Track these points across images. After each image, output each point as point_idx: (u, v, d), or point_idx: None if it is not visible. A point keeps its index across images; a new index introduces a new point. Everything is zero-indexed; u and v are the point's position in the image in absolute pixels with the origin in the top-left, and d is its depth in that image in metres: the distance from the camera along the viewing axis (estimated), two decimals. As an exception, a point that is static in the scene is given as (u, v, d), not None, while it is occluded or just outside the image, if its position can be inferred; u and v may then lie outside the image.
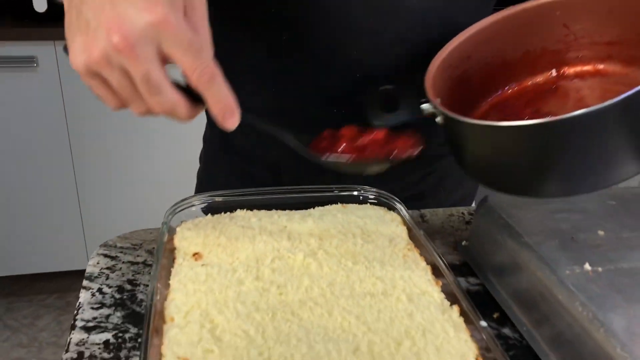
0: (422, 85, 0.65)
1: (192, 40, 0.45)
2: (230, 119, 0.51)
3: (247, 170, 0.92)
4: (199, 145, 1.02)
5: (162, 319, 0.54)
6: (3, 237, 2.08)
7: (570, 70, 0.68)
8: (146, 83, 0.45)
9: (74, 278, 2.24)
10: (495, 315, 0.64)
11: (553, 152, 0.55)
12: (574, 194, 0.57)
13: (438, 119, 0.63)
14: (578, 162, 0.54)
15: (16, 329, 2.10)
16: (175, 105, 0.48)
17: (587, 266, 0.59)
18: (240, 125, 0.86)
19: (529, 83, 0.69)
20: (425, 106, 0.65)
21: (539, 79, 0.69)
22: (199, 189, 1.01)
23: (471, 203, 1.02)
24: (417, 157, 0.90)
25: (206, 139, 1.01)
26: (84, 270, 0.70)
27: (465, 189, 0.99)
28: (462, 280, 0.70)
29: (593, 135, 0.52)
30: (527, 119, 0.52)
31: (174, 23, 0.44)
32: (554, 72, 0.68)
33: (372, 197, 0.76)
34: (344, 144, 0.64)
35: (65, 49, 0.50)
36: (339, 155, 0.64)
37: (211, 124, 0.97)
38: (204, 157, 1.02)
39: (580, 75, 0.67)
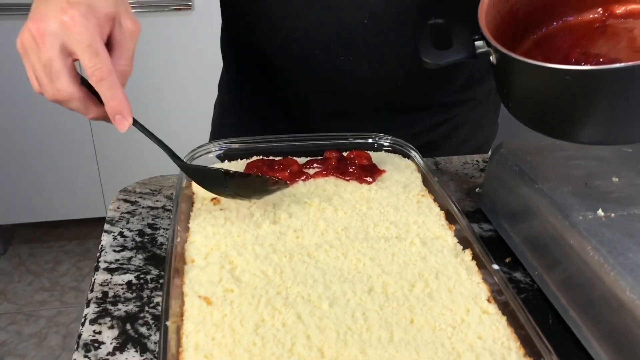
0: (474, 21, 0.61)
1: (91, 44, 0.53)
2: (121, 121, 0.57)
3: (262, 115, 0.93)
4: (214, 93, 1.03)
5: (182, 260, 0.56)
6: (23, 185, 2.12)
7: (619, 9, 0.65)
8: (48, 68, 0.54)
9: (93, 225, 2.29)
10: (507, 260, 0.65)
11: (610, 98, 0.53)
12: (621, 142, 0.57)
13: (491, 58, 0.60)
14: (633, 110, 0.54)
15: (38, 273, 2.17)
16: (70, 95, 0.55)
17: (600, 212, 0.59)
18: (252, 64, 0.85)
19: (575, 21, 0.66)
20: (479, 43, 0.61)
21: (586, 16, 0.66)
22: (214, 136, 1.02)
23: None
24: (429, 105, 0.89)
25: (222, 85, 1.01)
26: (102, 218, 0.72)
27: (479, 140, 0.98)
28: (475, 226, 0.71)
29: None
30: (575, 62, 0.51)
31: (80, 25, 0.52)
32: (601, 11, 0.65)
33: (386, 144, 0.77)
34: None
35: None
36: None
37: (227, 70, 0.97)
38: (219, 104, 1.02)
39: (631, 14, 0.65)
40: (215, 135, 1.02)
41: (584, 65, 0.53)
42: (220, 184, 0.62)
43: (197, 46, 1.97)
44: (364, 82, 0.83)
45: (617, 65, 0.51)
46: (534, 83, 0.59)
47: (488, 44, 0.60)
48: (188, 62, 1.97)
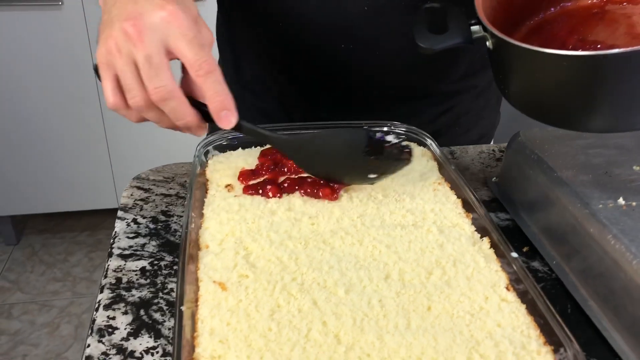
0: (470, 5, 0.60)
1: (196, 36, 0.51)
2: (226, 117, 0.54)
3: (259, 106, 0.91)
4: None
5: (196, 246, 0.56)
6: (36, 176, 2.13)
7: None
8: (147, 64, 0.50)
9: (104, 216, 2.30)
10: (524, 249, 0.64)
11: (609, 85, 0.52)
12: (620, 130, 0.56)
13: (488, 43, 0.59)
14: (631, 97, 0.52)
15: (51, 264, 2.18)
16: (172, 92, 0.51)
17: (621, 200, 0.58)
18: (249, 56, 0.82)
19: (573, 6, 0.65)
20: (475, 28, 0.60)
21: (584, 1, 0.65)
22: (212, 130, 1.00)
23: (489, 143, 1.00)
24: (431, 94, 0.88)
25: None
26: (113, 209, 0.72)
27: (481, 128, 0.97)
28: (491, 215, 0.70)
29: None
30: (572, 49, 0.50)
31: (182, 19, 0.50)
32: None
33: (402, 132, 0.75)
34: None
35: (95, 69, 0.53)
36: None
37: (223, 61, 0.95)
38: None
39: (630, 0, 0.64)
40: (211, 129, 0.99)
41: (581, 51, 0.52)
42: (361, 154, 0.60)
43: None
44: (364, 72, 0.81)
45: (615, 50, 0.49)
46: (531, 69, 0.57)
47: (485, 29, 0.59)
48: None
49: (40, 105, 2.02)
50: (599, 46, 0.56)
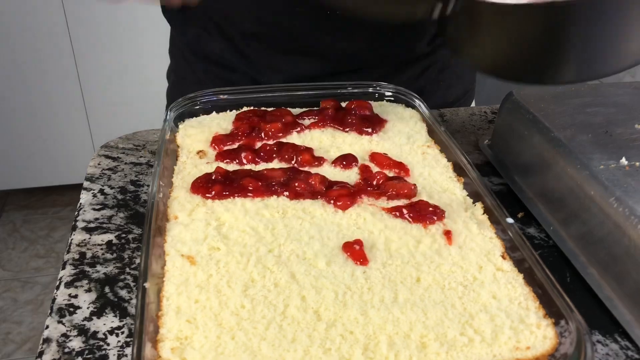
0: None
1: None
2: None
3: (223, 77, 0.84)
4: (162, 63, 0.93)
5: (165, 217, 0.51)
6: (15, 151, 2.07)
7: None
8: None
9: (87, 191, 2.24)
10: (519, 215, 0.60)
11: (577, 30, 0.49)
12: (588, 78, 0.53)
13: (450, 7, 0.54)
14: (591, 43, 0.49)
15: (33, 240, 2.13)
16: None
17: (624, 160, 0.54)
18: (212, 33, 0.76)
19: None
20: None
21: None
22: (181, 94, 0.92)
23: (471, 101, 0.96)
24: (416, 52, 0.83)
25: (174, 52, 0.91)
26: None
27: (464, 83, 0.92)
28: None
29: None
30: None
31: None
32: None
33: (389, 93, 0.71)
34: None
35: None
36: None
37: (179, 32, 0.87)
38: (174, 71, 0.92)
39: None
40: (179, 95, 0.91)
41: None
42: None
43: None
44: (349, 42, 0.76)
45: None
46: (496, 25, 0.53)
47: None
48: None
49: (17, 79, 1.95)
50: None
